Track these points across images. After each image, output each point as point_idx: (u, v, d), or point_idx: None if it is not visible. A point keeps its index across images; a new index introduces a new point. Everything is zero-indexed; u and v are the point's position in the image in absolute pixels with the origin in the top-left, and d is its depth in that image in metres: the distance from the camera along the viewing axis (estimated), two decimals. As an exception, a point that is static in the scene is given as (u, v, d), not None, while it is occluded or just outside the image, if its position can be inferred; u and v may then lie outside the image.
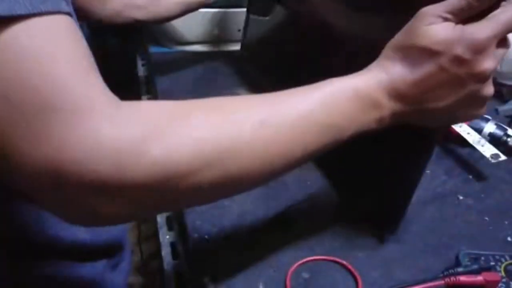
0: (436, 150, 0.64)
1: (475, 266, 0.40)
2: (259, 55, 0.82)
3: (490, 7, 0.33)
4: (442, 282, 0.39)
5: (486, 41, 0.32)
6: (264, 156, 0.31)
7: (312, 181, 0.54)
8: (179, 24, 0.92)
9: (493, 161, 0.56)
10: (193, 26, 0.93)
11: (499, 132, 0.62)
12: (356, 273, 0.41)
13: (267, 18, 0.76)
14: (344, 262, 0.42)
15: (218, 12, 0.91)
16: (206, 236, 0.45)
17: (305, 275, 0.41)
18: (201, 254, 0.44)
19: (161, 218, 0.54)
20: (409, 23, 0.35)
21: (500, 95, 0.81)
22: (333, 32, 0.49)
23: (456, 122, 0.38)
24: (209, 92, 0.79)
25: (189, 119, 0.28)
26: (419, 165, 0.41)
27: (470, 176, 0.58)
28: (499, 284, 0.39)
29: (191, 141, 0.27)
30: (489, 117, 0.64)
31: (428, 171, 0.58)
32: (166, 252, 0.49)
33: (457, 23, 0.33)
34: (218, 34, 0.94)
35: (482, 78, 0.33)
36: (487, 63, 0.33)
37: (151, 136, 0.26)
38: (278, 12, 0.71)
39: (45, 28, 0.25)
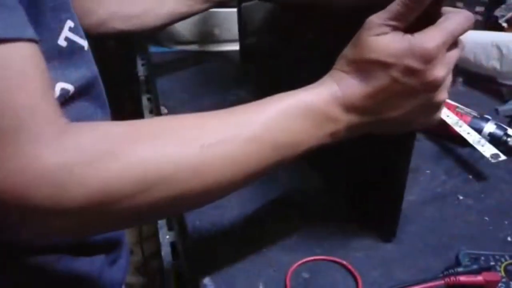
0: (436, 150, 0.64)
1: (475, 266, 0.40)
2: (258, 56, 0.82)
3: (435, 12, 0.34)
4: (442, 282, 0.39)
5: (435, 49, 0.32)
6: (211, 178, 0.31)
7: (312, 181, 0.54)
8: (179, 24, 0.92)
9: (493, 161, 0.56)
10: (193, 26, 0.93)
11: (499, 132, 0.62)
12: (356, 273, 0.41)
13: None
14: (344, 262, 0.42)
15: (218, 12, 0.91)
16: (206, 236, 0.45)
17: (305, 275, 0.41)
18: (201, 254, 0.44)
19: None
20: (358, 34, 0.35)
21: (500, 95, 0.81)
22: (330, 30, 0.49)
23: (412, 129, 0.38)
24: (208, 92, 0.79)
25: (134, 145, 0.29)
26: (400, 166, 0.41)
27: (470, 176, 0.58)
28: (499, 284, 0.39)
29: (132, 166, 0.28)
30: (489, 117, 0.64)
31: (428, 171, 0.58)
32: (166, 252, 0.49)
33: (404, 29, 0.33)
34: (218, 34, 0.94)
35: (434, 86, 0.34)
36: (438, 71, 0.33)
37: (91, 162, 0.27)
38: (274, 11, 0.70)
39: (2, 55, 0.26)
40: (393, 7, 0.33)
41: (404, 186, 0.42)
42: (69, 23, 0.38)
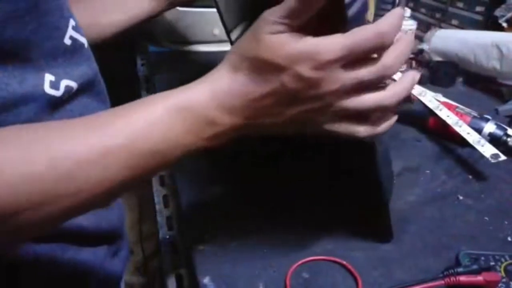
0: (436, 150, 0.64)
1: (475, 266, 0.40)
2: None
3: (339, 14, 0.30)
4: (442, 282, 0.39)
5: (330, 60, 0.29)
6: (63, 191, 0.28)
7: (313, 182, 0.54)
8: (179, 24, 0.92)
9: (493, 161, 0.56)
10: (193, 26, 0.93)
11: (499, 132, 0.62)
12: (356, 273, 0.41)
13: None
14: (344, 262, 0.42)
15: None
16: (206, 236, 0.45)
17: (305, 275, 0.41)
18: (201, 253, 0.44)
19: (161, 218, 0.54)
20: (254, 26, 0.32)
21: (500, 95, 0.81)
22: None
23: (305, 132, 0.35)
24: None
25: None
26: (371, 168, 0.40)
27: (470, 176, 0.58)
28: (499, 284, 0.39)
29: None
30: (489, 117, 0.64)
31: (428, 171, 0.58)
32: (166, 252, 0.49)
33: (300, 27, 0.30)
34: (218, 34, 0.94)
35: (321, 97, 0.31)
36: (327, 86, 0.30)
37: None
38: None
39: None
40: (288, 3, 0.29)
41: (381, 188, 0.41)
42: (72, 22, 0.39)
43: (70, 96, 0.39)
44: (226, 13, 0.55)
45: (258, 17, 0.31)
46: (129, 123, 0.31)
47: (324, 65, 0.29)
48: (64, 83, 0.38)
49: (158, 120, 0.31)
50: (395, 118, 0.35)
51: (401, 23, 0.31)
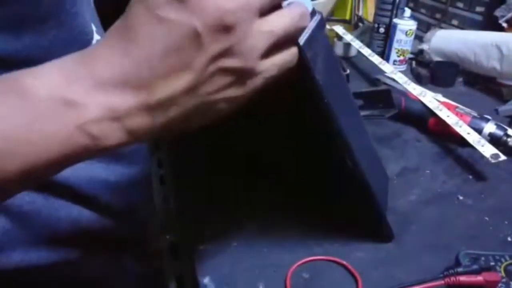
0: (436, 150, 0.64)
1: (475, 266, 0.40)
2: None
3: None
4: (442, 282, 0.39)
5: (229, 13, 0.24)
6: None
7: (314, 182, 0.54)
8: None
9: (493, 161, 0.56)
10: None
11: (499, 132, 0.62)
12: (356, 273, 0.41)
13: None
14: (344, 262, 0.42)
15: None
16: (206, 236, 0.45)
17: (305, 275, 0.41)
18: (201, 253, 0.44)
19: (161, 218, 0.54)
20: None
21: (500, 95, 0.81)
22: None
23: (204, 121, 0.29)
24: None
25: None
26: (353, 169, 0.40)
27: (470, 176, 0.58)
28: (499, 284, 0.39)
29: None
30: (489, 117, 0.64)
31: (428, 171, 0.58)
32: (166, 252, 0.49)
33: None
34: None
35: (227, 36, 0.25)
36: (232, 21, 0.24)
37: None
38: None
39: None
40: None
41: (369, 187, 0.41)
42: (93, 27, 0.41)
43: None
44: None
45: None
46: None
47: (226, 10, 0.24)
48: None
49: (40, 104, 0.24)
50: (294, 49, 0.30)
51: None
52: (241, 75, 0.27)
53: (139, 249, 0.53)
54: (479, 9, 0.98)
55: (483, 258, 0.42)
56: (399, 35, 0.92)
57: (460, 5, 1.04)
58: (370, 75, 0.90)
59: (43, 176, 0.27)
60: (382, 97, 0.71)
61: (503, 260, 0.42)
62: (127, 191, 0.49)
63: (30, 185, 0.28)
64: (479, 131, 0.62)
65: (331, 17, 1.28)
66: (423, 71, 0.89)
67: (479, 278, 0.39)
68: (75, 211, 0.44)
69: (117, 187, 0.47)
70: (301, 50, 0.30)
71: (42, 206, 0.41)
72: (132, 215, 0.51)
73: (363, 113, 0.70)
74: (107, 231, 0.48)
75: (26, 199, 0.40)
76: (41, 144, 0.24)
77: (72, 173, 0.39)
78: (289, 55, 0.29)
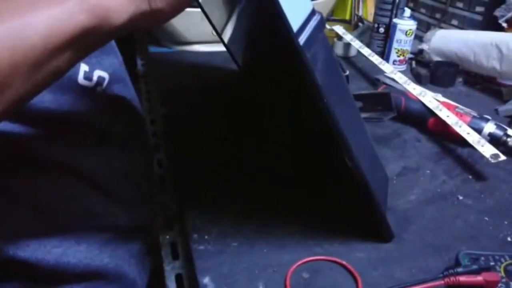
0: (436, 150, 0.64)
1: (475, 266, 0.40)
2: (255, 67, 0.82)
3: None
4: (442, 282, 0.39)
5: None
6: None
7: (314, 182, 0.54)
8: (179, 24, 0.92)
9: (493, 161, 0.56)
10: (193, 26, 0.93)
11: (499, 132, 0.62)
12: (356, 273, 0.41)
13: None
14: (344, 262, 0.42)
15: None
16: (206, 236, 0.45)
17: (305, 275, 0.41)
18: (201, 253, 0.44)
19: (161, 218, 0.54)
20: None
21: (500, 95, 0.81)
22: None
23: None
24: (208, 92, 0.79)
25: None
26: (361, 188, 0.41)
27: (470, 176, 0.58)
28: (499, 284, 0.39)
29: None
30: (489, 117, 0.64)
31: (428, 171, 0.58)
32: (166, 252, 0.49)
33: None
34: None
35: None
36: None
37: None
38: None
39: None
40: None
41: (368, 186, 0.41)
42: None
43: (101, 86, 0.43)
44: (212, 15, 0.55)
45: (239, 12, 0.30)
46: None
47: None
48: (97, 73, 0.42)
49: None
50: None
51: None
52: None
53: (147, 240, 0.55)
54: (479, 9, 0.99)
55: (483, 258, 0.42)
56: (399, 35, 0.92)
57: (460, 5, 1.04)
58: (370, 75, 0.90)
59: (54, 70, 0.28)
60: (381, 100, 0.71)
61: (503, 260, 0.42)
62: (135, 180, 0.52)
63: (42, 82, 0.28)
64: (479, 131, 0.62)
65: (331, 17, 1.28)
66: (423, 71, 0.89)
67: (479, 278, 0.39)
68: (87, 199, 0.46)
69: (127, 175, 0.50)
70: (301, 50, 0.30)
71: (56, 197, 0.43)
72: (142, 204, 0.53)
73: (361, 115, 0.70)
74: (119, 219, 0.50)
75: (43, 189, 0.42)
76: (45, 30, 0.26)
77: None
78: None
